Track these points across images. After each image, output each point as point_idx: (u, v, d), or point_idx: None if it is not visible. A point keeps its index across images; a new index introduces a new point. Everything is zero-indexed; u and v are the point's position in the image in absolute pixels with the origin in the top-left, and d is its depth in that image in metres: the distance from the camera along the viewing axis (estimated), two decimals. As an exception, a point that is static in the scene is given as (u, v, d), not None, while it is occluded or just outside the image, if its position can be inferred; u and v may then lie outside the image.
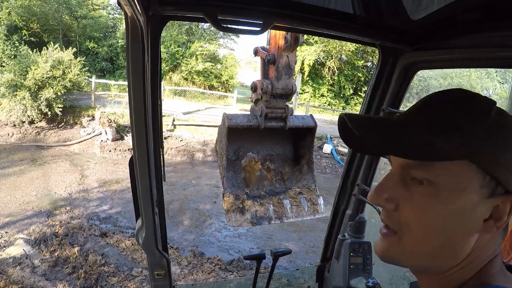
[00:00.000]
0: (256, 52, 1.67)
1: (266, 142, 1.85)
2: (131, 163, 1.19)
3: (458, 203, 0.48)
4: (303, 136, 1.86)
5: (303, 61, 18.44)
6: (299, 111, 15.23)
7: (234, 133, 1.68)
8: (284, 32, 1.46)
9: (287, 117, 1.70)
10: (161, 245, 1.38)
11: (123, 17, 0.94)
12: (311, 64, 18.62)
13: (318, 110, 18.15)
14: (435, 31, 1.19)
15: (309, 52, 18.32)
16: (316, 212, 1.74)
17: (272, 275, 1.67)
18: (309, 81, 19.61)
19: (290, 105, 1.72)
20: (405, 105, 1.51)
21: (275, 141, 1.88)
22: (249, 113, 1.74)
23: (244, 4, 1.11)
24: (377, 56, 1.45)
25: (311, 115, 1.84)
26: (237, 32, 1.18)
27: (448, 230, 0.49)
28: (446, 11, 0.99)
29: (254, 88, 1.65)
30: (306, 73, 18.91)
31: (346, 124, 0.52)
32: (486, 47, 1.10)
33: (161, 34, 1.22)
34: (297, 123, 1.75)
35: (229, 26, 1.15)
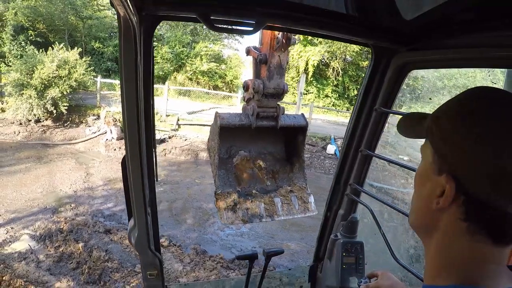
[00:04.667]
0: (248, 52, 1.68)
1: (258, 141, 1.85)
2: (124, 163, 1.20)
3: (421, 170, 0.59)
4: (295, 135, 1.86)
5: (307, 61, 18.35)
6: (303, 112, 15.16)
7: (226, 132, 1.68)
8: (276, 32, 1.46)
9: (278, 116, 1.70)
10: (153, 245, 1.38)
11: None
12: (316, 64, 18.52)
13: (322, 110, 18.07)
14: (428, 31, 1.19)
15: (313, 52, 18.22)
16: (307, 210, 1.75)
17: (265, 275, 1.68)
18: (313, 81, 19.51)
19: (282, 105, 1.72)
20: (398, 105, 1.51)
21: (266, 140, 1.88)
22: (241, 112, 1.75)
23: (236, 4, 1.11)
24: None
25: (302, 114, 1.83)
26: (230, 32, 1.19)
27: (417, 191, 0.60)
28: (439, 12, 0.99)
29: (246, 87, 1.66)
30: (310, 74, 18.81)
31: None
32: (479, 47, 1.09)
33: (154, 34, 1.23)
34: (289, 122, 1.75)
35: (222, 26, 1.16)
